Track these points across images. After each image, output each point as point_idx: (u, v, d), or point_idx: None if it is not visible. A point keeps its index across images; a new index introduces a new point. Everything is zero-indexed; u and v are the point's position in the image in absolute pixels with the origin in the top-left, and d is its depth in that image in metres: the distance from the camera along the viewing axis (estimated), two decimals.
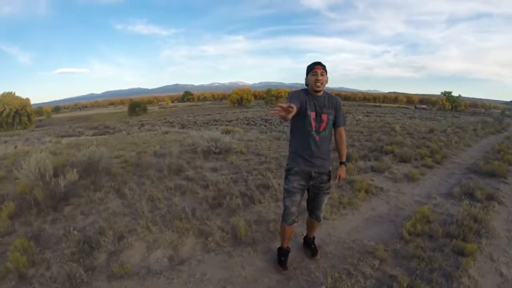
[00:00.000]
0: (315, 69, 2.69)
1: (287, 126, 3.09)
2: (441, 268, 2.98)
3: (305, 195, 2.99)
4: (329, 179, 2.90)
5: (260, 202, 4.51)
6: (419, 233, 3.69)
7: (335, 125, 2.87)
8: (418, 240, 3.51)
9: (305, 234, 3.39)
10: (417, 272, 2.90)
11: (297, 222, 2.97)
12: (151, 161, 6.76)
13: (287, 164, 2.93)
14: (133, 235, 3.50)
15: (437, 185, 5.98)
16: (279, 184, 5.10)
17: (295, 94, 2.76)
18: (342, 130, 2.94)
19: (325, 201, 3.01)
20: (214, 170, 6.31)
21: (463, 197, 4.96)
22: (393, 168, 6.85)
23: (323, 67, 2.72)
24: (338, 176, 2.93)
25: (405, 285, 2.70)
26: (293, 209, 2.85)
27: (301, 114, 2.70)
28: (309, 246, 3.31)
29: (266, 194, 4.74)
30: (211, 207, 4.34)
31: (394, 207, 4.68)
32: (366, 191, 5.09)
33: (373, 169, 6.68)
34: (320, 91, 2.74)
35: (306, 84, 2.80)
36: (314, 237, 3.34)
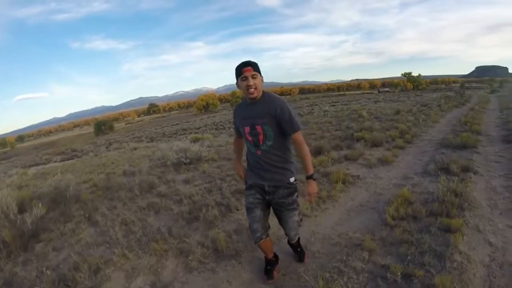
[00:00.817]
0: (244, 73, 2.25)
1: None
2: (431, 249, 2.93)
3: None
4: (291, 193, 2.50)
5: (238, 209, 4.33)
6: (403, 217, 3.65)
7: (285, 133, 2.38)
8: (403, 224, 3.46)
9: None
10: (408, 257, 2.84)
11: (265, 238, 2.60)
12: (121, 182, 6.45)
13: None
14: (109, 266, 3.23)
15: (412, 164, 6.04)
16: None
17: (235, 115, 2.57)
18: (298, 136, 2.39)
19: (295, 219, 2.59)
20: (187, 182, 6.09)
21: (439, 173, 5.01)
22: (366, 154, 6.88)
23: (254, 66, 2.26)
24: (307, 193, 2.46)
25: (399, 273, 2.61)
26: (255, 225, 2.54)
27: (238, 130, 2.58)
28: (295, 251, 3.05)
29: (243, 200, 4.54)
30: (188, 222, 4.12)
31: (374, 194, 4.64)
32: (344, 182, 5.04)
33: (346, 158, 6.66)
34: (255, 97, 2.32)
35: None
36: (298, 241, 2.98)
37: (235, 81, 2.36)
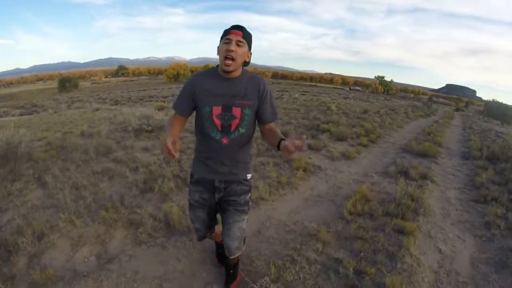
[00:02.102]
0: (230, 35, 1.76)
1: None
2: (384, 248, 2.98)
3: None
4: (245, 192, 2.05)
5: None
6: (360, 213, 3.70)
7: (260, 120, 1.95)
8: (359, 220, 3.50)
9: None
10: (362, 254, 2.87)
11: (209, 235, 2.29)
12: (77, 143, 6.11)
13: (191, 167, 2.17)
14: (55, 232, 3.02)
15: (373, 163, 6.12)
16: None
17: (190, 82, 1.93)
18: (272, 126, 1.95)
19: (241, 225, 2.07)
20: (146, 150, 5.86)
21: (398, 175, 5.14)
22: (330, 146, 6.89)
23: (245, 33, 1.80)
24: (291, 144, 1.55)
25: (351, 269, 2.61)
26: (198, 225, 2.18)
27: (198, 109, 1.93)
28: (227, 272, 2.47)
29: None
30: (142, 192, 3.93)
31: (333, 186, 4.65)
32: (305, 170, 5.03)
33: (310, 148, 6.65)
34: (231, 71, 1.81)
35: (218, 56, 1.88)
36: (237, 261, 2.43)
37: (218, 44, 1.85)
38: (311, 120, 10.70)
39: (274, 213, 3.64)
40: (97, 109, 14.86)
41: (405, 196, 4.02)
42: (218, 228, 2.35)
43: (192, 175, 2.11)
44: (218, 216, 2.23)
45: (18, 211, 3.51)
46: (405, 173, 5.33)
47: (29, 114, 18.06)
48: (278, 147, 1.74)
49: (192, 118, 2.02)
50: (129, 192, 3.91)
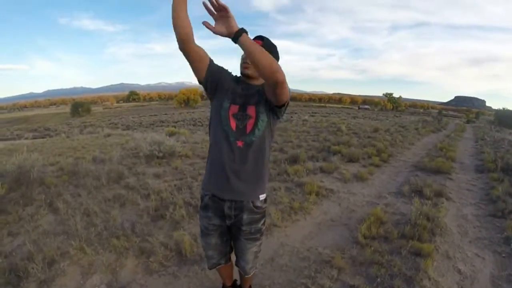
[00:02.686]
0: None
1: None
2: (401, 273, 2.89)
3: None
4: (257, 220, 1.93)
5: None
6: (375, 236, 3.60)
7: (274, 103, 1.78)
8: (374, 244, 3.40)
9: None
10: (378, 279, 2.78)
11: (223, 263, 2.15)
12: (89, 168, 6.16)
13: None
14: (65, 259, 3.01)
15: (386, 184, 6.04)
16: None
17: (225, 74, 1.87)
18: None
19: (254, 250, 2.01)
20: (157, 176, 5.88)
21: (412, 195, 5.07)
22: (341, 168, 6.82)
23: (266, 42, 1.77)
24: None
25: None
26: (210, 252, 2.06)
27: (216, 101, 1.86)
28: None
29: None
30: (153, 220, 3.92)
31: (346, 209, 4.57)
32: (317, 194, 4.96)
33: (322, 170, 6.60)
34: (248, 75, 1.81)
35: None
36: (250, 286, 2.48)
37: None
38: (321, 142, 10.69)
39: (287, 239, 3.57)
40: (109, 135, 15.05)
41: (420, 216, 3.92)
42: (230, 268, 2.30)
43: (201, 198, 1.99)
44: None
45: (29, 236, 3.52)
46: (419, 192, 5.24)
47: (42, 138, 18.36)
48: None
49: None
50: (140, 220, 3.89)
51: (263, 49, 1.55)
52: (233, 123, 1.78)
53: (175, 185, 5.22)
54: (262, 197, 1.92)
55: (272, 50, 1.73)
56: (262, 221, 1.97)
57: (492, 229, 4.10)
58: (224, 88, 1.82)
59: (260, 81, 1.83)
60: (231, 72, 1.91)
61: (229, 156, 1.79)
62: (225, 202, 1.86)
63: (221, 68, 1.85)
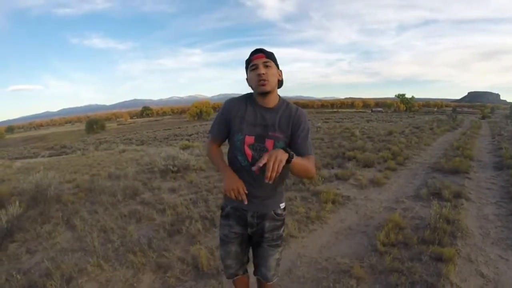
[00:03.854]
0: (254, 61, 1.72)
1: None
2: (422, 280, 2.82)
3: None
4: (278, 227, 1.95)
5: None
6: (394, 243, 3.51)
7: (296, 153, 1.67)
8: (393, 251, 3.32)
9: None
10: (398, 287, 2.71)
11: (241, 274, 2.12)
12: (104, 185, 6.25)
13: (223, 198, 2.06)
14: (83, 276, 3.04)
15: (403, 187, 5.95)
16: None
17: (226, 106, 1.88)
18: (311, 158, 1.80)
19: (276, 257, 1.99)
20: (172, 190, 5.92)
21: (431, 197, 4.95)
22: (357, 174, 6.77)
23: (266, 53, 1.75)
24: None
25: None
26: (229, 261, 2.03)
27: (231, 135, 1.87)
28: None
29: None
30: (169, 235, 3.93)
31: (364, 216, 4.50)
32: (333, 202, 4.90)
33: (337, 177, 6.54)
34: (268, 92, 1.73)
35: (251, 87, 1.83)
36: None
37: (245, 76, 1.83)
38: (336, 148, 10.63)
39: (305, 250, 3.52)
40: (124, 150, 15.24)
41: (440, 220, 3.84)
42: (247, 281, 2.25)
43: (222, 208, 2.01)
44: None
45: (47, 253, 3.59)
46: (437, 194, 5.14)
47: (58, 155, 18.69)
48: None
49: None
50: (156, 235, 3.90)
51: (308, 161, 1.69)
52: (248, 154, 1.78)
53: (190, 199, 5.24)
54: (282, 205, 1.96)
55: (272, 58, 1.76)
56: (283, 228, 1.99)
57: None
58: (235, 124, 1.82)
59: (275, 94, 1.82)
60: (233, 102, 1.88)
61: (248, 181, 1.81)
62: (248, 211, 1.90)
63: (228, 114, 1.85)
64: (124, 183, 6.17)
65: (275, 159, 1.44)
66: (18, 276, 3.02)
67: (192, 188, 6.01)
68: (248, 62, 1.77)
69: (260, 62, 1.71)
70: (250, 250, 2.10)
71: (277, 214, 1.93)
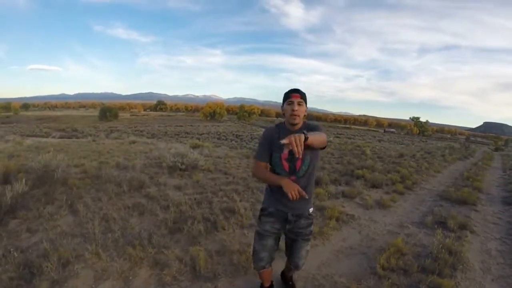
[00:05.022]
0: (292, 98, 2.28)
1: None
2: None
3: None
4: (310, 224, 2.50)
5: (224, 229, 4.14)
6: (394, 268, 3.47)
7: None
8: (392, 277, 3.28)
9: (283, 269, 3.06)
10: None
11: (268, 268, 2.58)
12: (111, 174, 6.28)
13: (262, 202, 2.57)
14: (80, 262, 3.07)
15: (409, 212, 5.88)
16: (245, 209, 4.80)
17: (266, 134, 2.41)
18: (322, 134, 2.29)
19: (307, 249, 2.57)
20: (178, 188, 5.93)
21: (435, 226, 4.88)
22: (364, 194, 6.72)
23: (302, 95, 2.30)
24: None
25: None
26: (263, 254, 2.49)
27: (270, 155, 2.38)
28: (286, 283, 3.01)
29: (231, 220, 4.39)
30: (170, 232, 3.93)
31: (366, 237, 4.45)
32: (337, 219, 4.87)
33: (344, 195, 6.50)
34: (296, 124, 2.32)
35: (283, 114, 2.38)
36: (291, 276, 3.03)
37: (282, 104, 2.38)
38: (345, 165, 10.57)
39: (304, 265, 3.49)
40: (134, 142, 15.34)
41: (443, 250, 3.79)
42: (271, 271, 2.71)
43: (264, 209, 2.50)
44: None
45: (46, 235, 3.63)
46: (442, 224, 5.07)
47: (69, 138, 18.89)
48: None
49: None
50: (157, 231, 3.92)
51: (319, 135, 2.13)
52: (285, 165, 2.33)
53: (195, 199, 5.25)
54: (311, 210, 2.51)
55: (304, 98, 2.31)
56: (312, 226, 2.54)
57: None
58: (273, 146, 2.34)
59: (300, 123, 2.36)
60: (271, 130, 2.43)
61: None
62: (288, 212, 2.42)
63: (269, 140, 2.37)
64: (131, 175, 6.21)
65: (295, 137, 1.80)
66: (15, 253, 3.07)
67: (198, 188, 6.02)
68: (287, 96, 2.30)
69: (296, 101, 2.26)
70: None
71: (309, 214, 2.49)
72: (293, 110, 2.26)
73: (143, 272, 3.07)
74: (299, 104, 2.27)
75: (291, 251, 2.61)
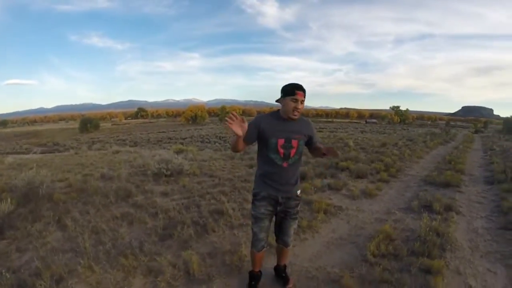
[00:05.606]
0: (297, 96, 2.41)
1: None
2: None
3: None
4: (297, 204, 2.74)
5: (214, 231, 4.16)
6: (384, 254, 3.55)
7: (312, 145, 2.66)
8: (383, 262, 3.36)
9: (275, 264, 3.13)
10: None
11: (267, 247, 2.80)
12: (97, 186, 6.22)
13: (253, 188, 2.74)
14: (73, 277, 3.04)
15: (395, 199, 6.00)
16: (233, 209, 4.83)
17: (257, 119, 2.58)
18: (318, 145, 2.63)
19: (293, 226, 2.81)
20: (165, 194, 5.90)
21: (422, 210, 5.00)
22: (350, 185, 6.83)
23: (304, 93, 2.44)
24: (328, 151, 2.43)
25: None
26: (262, 235, 2.68)
27: (265, 140, 2.54)
28: (280, 275, 3.06)
29: (220, 221, 4.41)
30: (161, 239, 3.92)
31: (355, 227, 4.53)
32: (325, 212, 4.93)
33: (330, 187, 6.57)
34: (295, 119, 2.51)
35: (277, 101, 2.55)
36: (285, 266, 3.11)
37: (281, 95, 2.48)
38: (329, 158, 10.63)
39: (296, 259, 3.53)
40: (117, 151, 15.16)
41: (430, 232, 3.89)
42: (264, 255, 2.88)
43: (257, 194, 2.66)
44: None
45: (37, 252, 3.57)
46: (428, 207, 5.20)
47: (51, 153, 18.53)
48: (323, 154, 2.44)
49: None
50: (148, 239, 3.90)
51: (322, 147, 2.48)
52: (281, 151, 2.51)
53: (183, 204, 5.23)
54: (299, 191, 2.73)
55: (305, 96, 2.45)
56: (300, 205, 2.80)
57: (503, 242, 4.06)
58: (268, 132, 2.50)
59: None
60: (264, 117, 2.60)
61: (279, 173, 2.57)
62: (278, 195, 2.61)
63: (259, 127, 2.52)
64: (117, 185, 6.16)
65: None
66: (7, 274, 3.00)
67: (185, 193, 6.00)
68: (292, 92, 2.40)
69: (300, 99, 2.41)
70: None
71: (297, 196, 2.71)
72: (296, 108, 2.42)
73: (137, 281, 3.05)
74: (302, 102, 2.44)
75: (280, 229, 2.82)
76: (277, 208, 2.66)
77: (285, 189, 2.61)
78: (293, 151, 2.53)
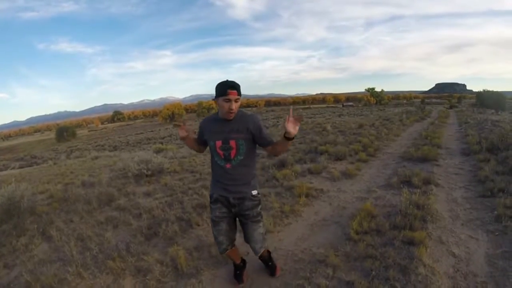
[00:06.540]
0: (229, 95, 2.24)
1: None
2: (396, 263, 2.92)
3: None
4: (255, 205, 2.56)
5: (198, 225, 4.19)
6: (367, 231, 3.63)
7: (262, 145, 2.47)
8: (367, 238, 3.44)
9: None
10: (373, 272, 2.81)
11: (230, 249, 2.69)
12: (79, 193, 6.16)
13: (210, 191, 2.68)
14: (63, 286, 3.03)
15: (375, 177, 6.12)
16: None
17: (201, 122, 2.63)
18: (272, 145, 2.45)
19: (259, 231, 2.61)
20: (148, 194, 5.89)
21: (401, 185, 5.12)
22: (329, 167, 6.90)
23: (238, 90, 2.28)
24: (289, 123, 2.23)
25: None
26: (221, 238, 2.60)
27: (207, 141, 2.53)
28: (267, 265, 3.03)
29: (204, 215, 4.44)
30: (147, 238, 3.93)
31: (337, 208, 4.61)
32: (307, 195, 5.00)
33: (310, 172, 6.64)
34: (231, 119, 2.38)
35: (213, 100, 2.40)
36: (269, 252, 3.03)
37: (214, 95, 2.33)
38: (308, 143, 10.75)
39: (281, 244, 3.60)
40: (96, 157, 14.93)
41: (411, 206, 3.99)
42: (236, 250, 2.84)
43: (211, 196, 2.61)
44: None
45: (25, 266, 3.53)
46: (407, 182, 5.32)
47: (29, 166, 18.11)
48: (285, 139, 2.26)
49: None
50: (134, 240, 3.90)
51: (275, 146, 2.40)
52: (220, 153, 2.43)
53: (166, 202, 5.22)
54: (255, 192, 2.56)
55: (240, 93, 2.31)
56: (259, 206, 2.61)
57: (482, 209, 4.19)
58: (207, 136, 2.50)
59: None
60: (204, 121, 2.61)
61: (222, 174, 2.49)
62: (229, 196, 2.51)
63: (202, 129, 2.60)
64: (99, 190, 6.10)
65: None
66: None
67: (167, 191, 5.99)
68: (223, 92, 2.24)
69: (233, 99, 2.25)
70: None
71: (253, 196, 2.53)
72: (230, 109, 2.27)
73: (127, 282, 3.06)
74: (236, 101, 2.27)
75: (245, 235, 2.67)
76: (232, 210, 2.54)
77: (234, 189, 2.49)
78: (233, 152, 2.41)
